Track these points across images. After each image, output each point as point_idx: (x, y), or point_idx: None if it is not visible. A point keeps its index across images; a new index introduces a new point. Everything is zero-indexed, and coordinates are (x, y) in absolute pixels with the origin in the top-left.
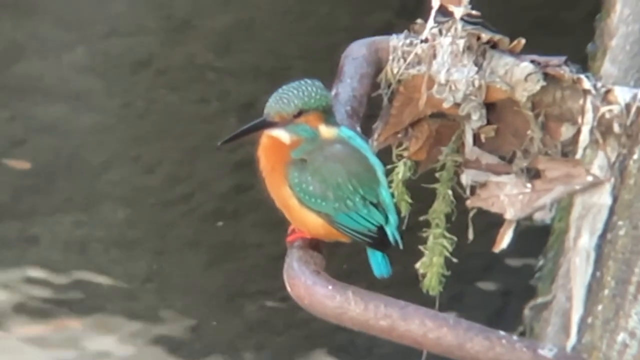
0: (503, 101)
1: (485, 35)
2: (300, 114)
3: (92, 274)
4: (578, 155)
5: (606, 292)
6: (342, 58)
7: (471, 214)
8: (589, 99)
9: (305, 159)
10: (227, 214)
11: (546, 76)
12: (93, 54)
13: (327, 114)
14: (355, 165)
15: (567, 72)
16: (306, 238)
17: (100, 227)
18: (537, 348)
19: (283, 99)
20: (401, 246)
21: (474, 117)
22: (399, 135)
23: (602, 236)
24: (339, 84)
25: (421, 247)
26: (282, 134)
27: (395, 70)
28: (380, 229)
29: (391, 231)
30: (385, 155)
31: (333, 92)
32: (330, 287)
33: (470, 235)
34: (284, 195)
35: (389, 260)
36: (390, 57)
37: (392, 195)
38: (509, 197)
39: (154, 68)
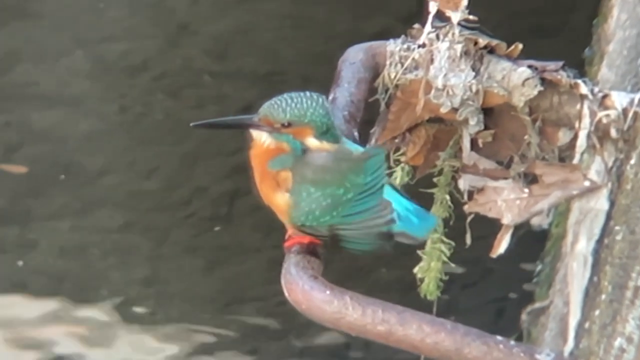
0: (500, 106)
1: (482, 40)
2: (289, 125)
3: (89, 279)
4: (575, 160)
5: (603, 297)
6: (340, 63)
7: (469, 219)
8: (586, 103)
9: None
10: (224, 219)
11: (543, 81)
12: (90, 59)
13: (322, 132)
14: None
15: (564, 77)
16: (304, 243)
17: (97, 233)
18: (534, 353)
19: (277, 106)
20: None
21: (472, 122)
22: (397, 140)
23: (599, 241)
24: (337, 89)
25: (419, 252)
26: (263, 137)
27: (392, 75)
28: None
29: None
30: None
31: (330, 97)
32: (328, 292)
33: (468, 240)
34: (279, 203)
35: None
36: (388, 62)
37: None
38: (507, 202)
39: (151, 73)
